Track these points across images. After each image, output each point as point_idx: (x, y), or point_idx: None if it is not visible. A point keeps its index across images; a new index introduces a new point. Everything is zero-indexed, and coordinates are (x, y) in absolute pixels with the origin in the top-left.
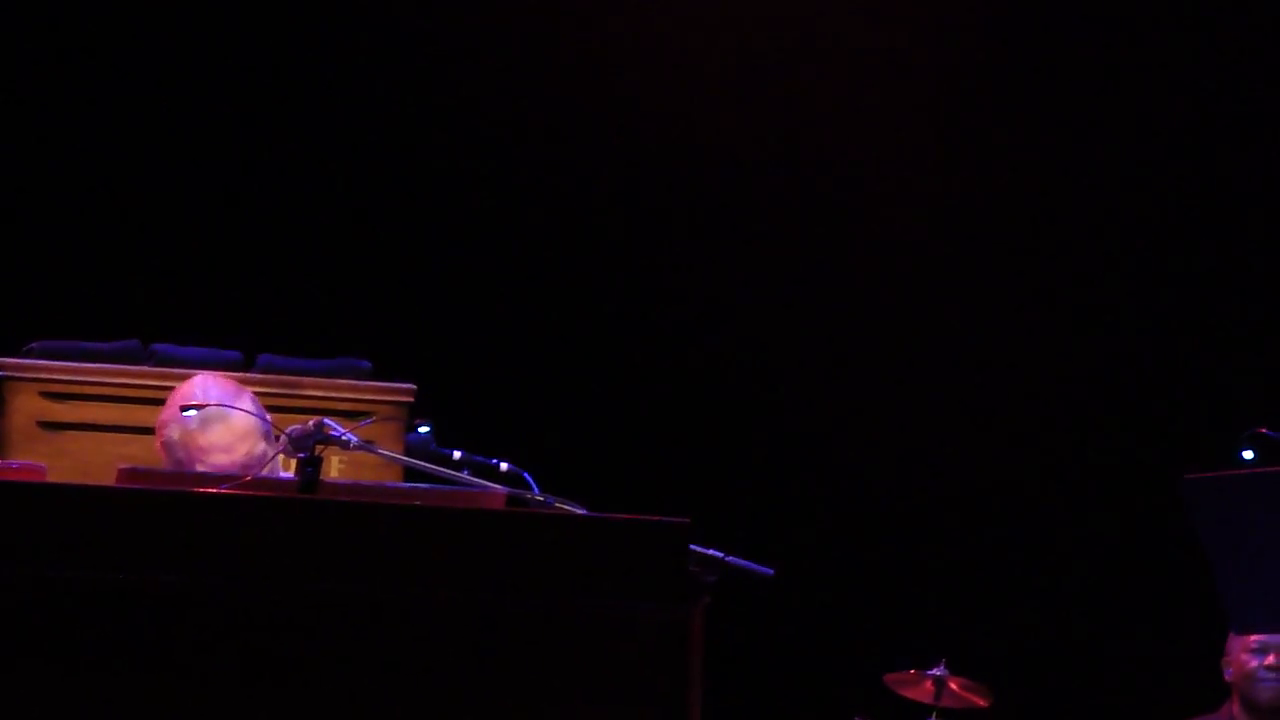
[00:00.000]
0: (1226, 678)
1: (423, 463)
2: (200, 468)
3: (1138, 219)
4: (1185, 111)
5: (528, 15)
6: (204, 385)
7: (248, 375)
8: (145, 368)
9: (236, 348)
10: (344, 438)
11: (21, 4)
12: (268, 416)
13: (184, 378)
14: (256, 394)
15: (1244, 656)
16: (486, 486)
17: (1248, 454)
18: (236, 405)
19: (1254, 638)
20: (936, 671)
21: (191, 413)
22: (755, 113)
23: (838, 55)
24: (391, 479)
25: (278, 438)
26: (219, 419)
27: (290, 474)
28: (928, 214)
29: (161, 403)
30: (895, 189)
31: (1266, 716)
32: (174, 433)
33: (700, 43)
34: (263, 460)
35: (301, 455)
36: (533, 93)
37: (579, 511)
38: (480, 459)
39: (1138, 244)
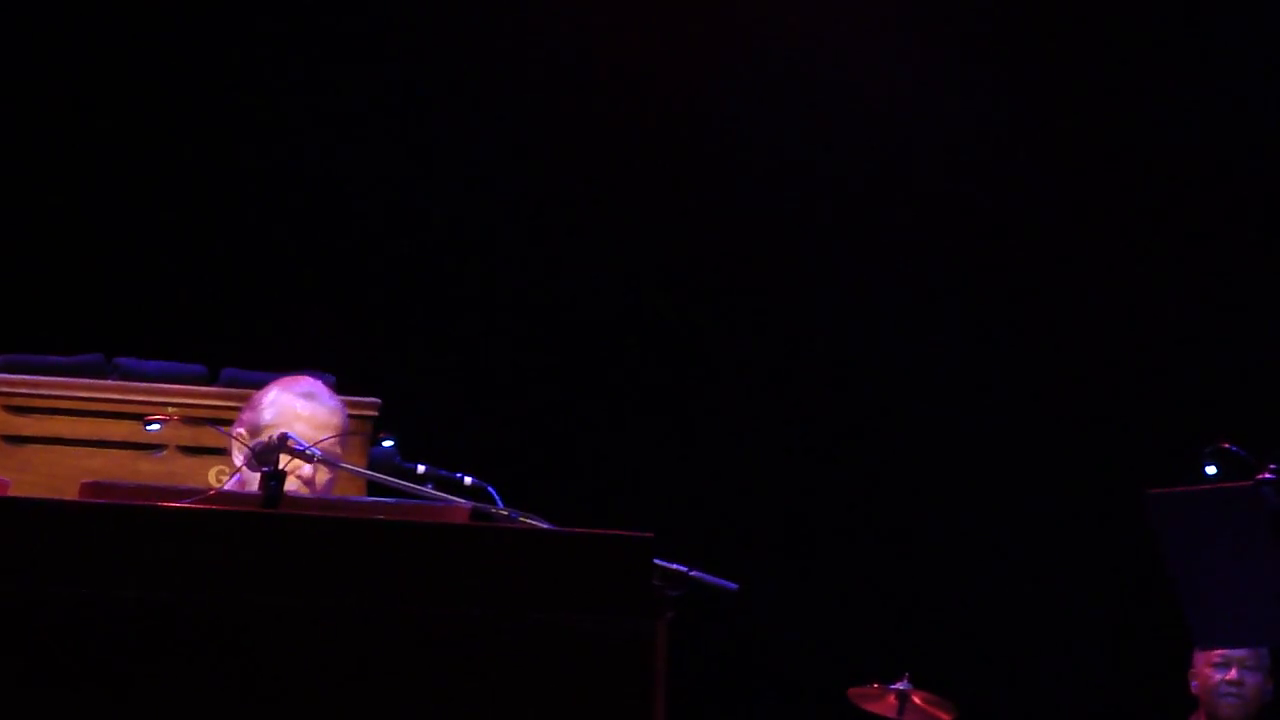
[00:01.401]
0: (1193, 690)
1: (387, 477)
2: (282, 429)
3: (1102, 228)
4: (1153, 120)
5: (495, 29)
6: (311, 380)
7: (211, 389)
8: (108, 381)
9: (200, 361)
10: (308, 451)
11: None
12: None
13: (147, 391)
14: (219, 408)
15: (1208, 670)
16: (450, 500)
17: (1211, 469)
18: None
19: (1218, 652)
20: (900, 685)
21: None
22: (713, 116)
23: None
24: (355, 493)
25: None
26: (319, 399)
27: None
28: (886, 227)
29: (124, 416)
30: (862, 192)
31: None
32: (272, 396)
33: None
34: (336, 457)
35: (265, 469)
36: (493, 109)
37: (543, 526)
38: (444, 473)
39: (1099, 253)
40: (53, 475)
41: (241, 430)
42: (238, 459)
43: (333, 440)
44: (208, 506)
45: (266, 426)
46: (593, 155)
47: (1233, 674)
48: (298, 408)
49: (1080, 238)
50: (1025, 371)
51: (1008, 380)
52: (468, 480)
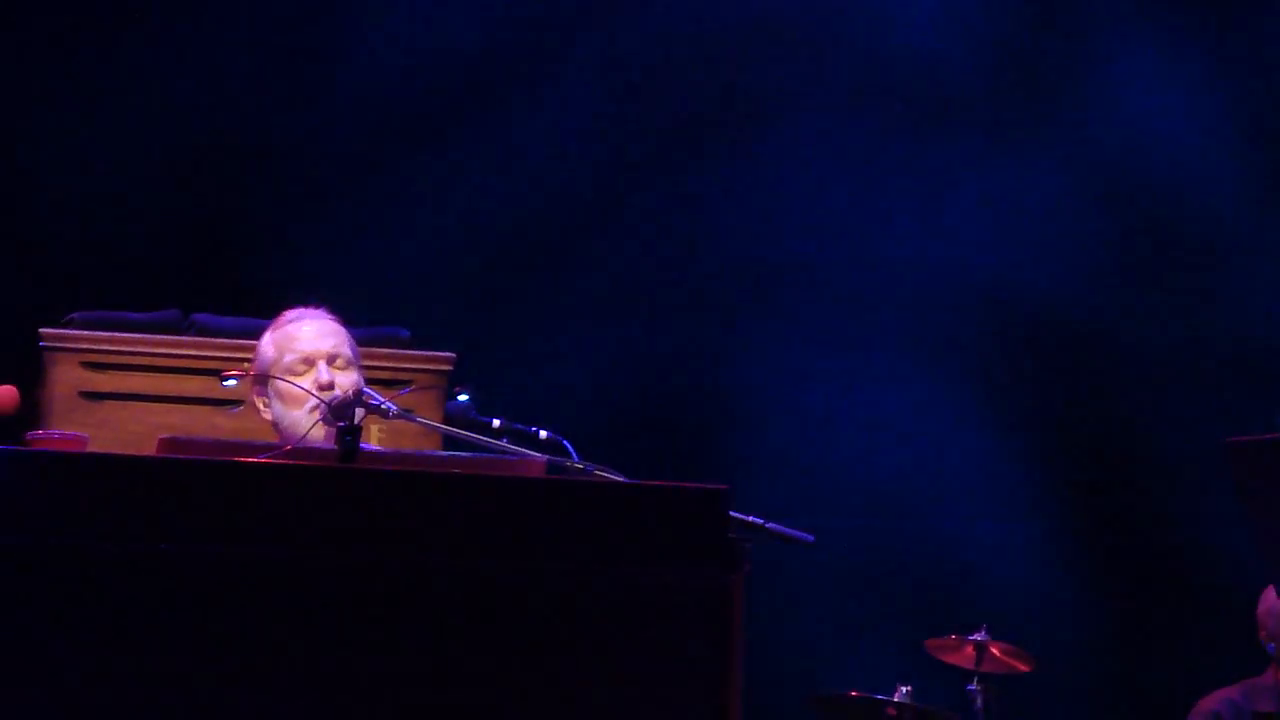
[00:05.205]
0: (1262, 642)
1: (462, 431)
2: (288, 356)
3: (1185, 181)
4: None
5: None
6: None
7: None
8: (185, 338)
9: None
10: (383, 406)
11: None
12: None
13: (224, 347)
14: None
15: None
16: (526, 454)
17: None
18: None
19: None
20: (978, 636)
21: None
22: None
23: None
24: (431, 447)
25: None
26: (310, 319)
27: (330, 443)
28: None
29: (201, 372)
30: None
31: None
32: (267, 336)
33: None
34: (349, 361)
35: (341, 424)
36: (555, 63)
37: (619, 479)
38: (519, 426)
39: (1177, 209)
40: (130, 431)
41: (254, 377)
42: (264, 413)
43: (392, 394)
44: (285, 461)
45: (274, 361)
46: (642, 106)
47: None
48: (292, 330)
49: (1157, 180)
50: (1098, 321)
51: (1080, 331)
52: (543, 434)
